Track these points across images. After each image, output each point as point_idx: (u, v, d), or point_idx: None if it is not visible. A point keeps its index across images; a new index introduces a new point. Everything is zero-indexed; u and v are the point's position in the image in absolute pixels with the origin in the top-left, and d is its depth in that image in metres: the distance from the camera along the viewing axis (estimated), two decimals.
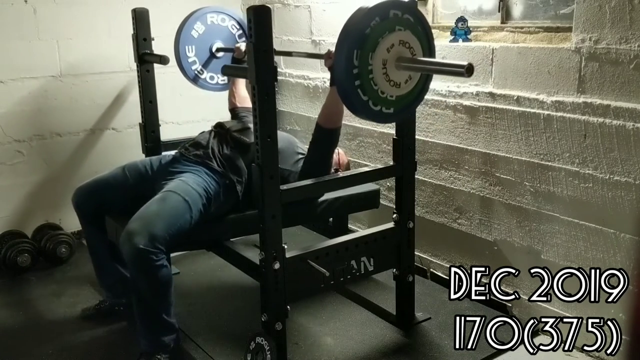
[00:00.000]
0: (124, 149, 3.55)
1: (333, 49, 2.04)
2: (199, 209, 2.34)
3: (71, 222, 3.40)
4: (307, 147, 2.62)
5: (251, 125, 2.64)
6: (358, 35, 1.93)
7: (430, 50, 2.13)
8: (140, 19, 2.98)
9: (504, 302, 2.67)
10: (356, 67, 1.95)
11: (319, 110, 2.53)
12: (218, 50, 3.13)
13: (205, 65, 3.13)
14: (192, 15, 3.07)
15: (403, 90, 2.08)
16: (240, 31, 3.19)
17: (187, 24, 3.05)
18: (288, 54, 3.31)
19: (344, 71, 1.94)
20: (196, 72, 3.12)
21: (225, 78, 3.12)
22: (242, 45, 2.96)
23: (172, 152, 2.70)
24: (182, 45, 3.05)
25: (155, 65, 3.05)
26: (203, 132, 2.76)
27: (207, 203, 2.39)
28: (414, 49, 2.05)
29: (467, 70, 1.85)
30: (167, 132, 3.27)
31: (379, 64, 1.98)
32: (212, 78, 3.17)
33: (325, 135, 2.48)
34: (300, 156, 2.69)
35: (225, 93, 3.18)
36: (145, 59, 3.00)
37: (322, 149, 2.50)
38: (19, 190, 3.36)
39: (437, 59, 2.11)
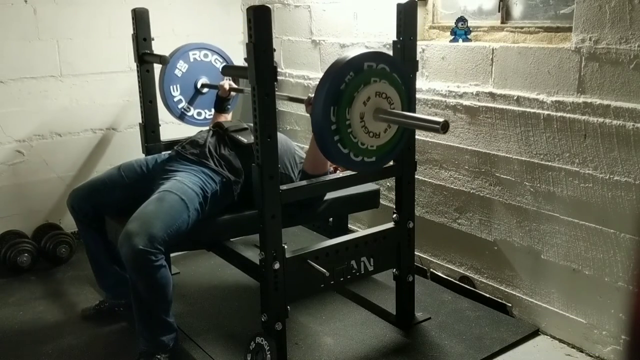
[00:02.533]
0: (124, 149, 3.55)
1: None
2: (196, 208, 2.34)
3: (71, 222, 3.36)
4: (306, 149, 2.62)
5: (249, 126, 2.64)
6: (333, 92, 1.95)
7: (409, 97, 2.14)
8: (140, 19, 2.98)
9: (503, 302, 2.68)
10: (334, 122, 1.97)
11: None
12: (203, 86, 3.18)
13: (191, 102, 3.19)
14: (175, 55, 3.12)
15: (383, 140, 2.10)
16: (224, 64, 3.22)
17: (170, 64, 3.09)
18: None
19: (322, 127, 1.96)
20: (182, 110, 3.17)
21: (212, 112, 3.15)
22: (226, 84, 2.99)
23: (169, 152, 2.71)
24: (167, 85, 3.10)
25: (155, 65, 3.06)
26: (201, 131, 2.76)
27: (203, 202, 2.38)
28: (391, 97, 2.05)
29: (442, 127, 1.86)
30: (167, 132, 3.27)
31: (357, 118, 2.00)
32: (199, 114, 3.22)
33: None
34: (300, 160, 2.68)
35: None
36: (145, 59, 3.00)
37: None
38: (19, 190, 3.36)
39: (414, 114, 2.13)
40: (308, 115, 3.79)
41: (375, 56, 2.03)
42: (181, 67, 3.13)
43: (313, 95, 2.05)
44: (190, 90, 3.17)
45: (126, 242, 2.15)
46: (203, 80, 3.18)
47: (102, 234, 2.58)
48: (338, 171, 2.67)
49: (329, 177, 2.42)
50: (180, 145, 2.65)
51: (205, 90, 3.19)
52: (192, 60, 3.15)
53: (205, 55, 3.19)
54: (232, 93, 3.03)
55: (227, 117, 3.06)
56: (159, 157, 2.66)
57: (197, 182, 2.40)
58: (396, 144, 2.17)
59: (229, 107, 3.08)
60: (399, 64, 2.12)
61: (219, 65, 3.20)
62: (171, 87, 3.12)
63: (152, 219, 2.21)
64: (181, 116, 3.17)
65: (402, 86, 2.10)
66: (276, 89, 2.14)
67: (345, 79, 1.95)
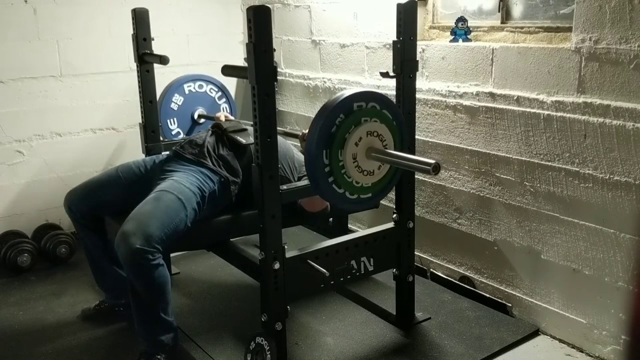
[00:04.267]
0: (123, 149, 3.56)
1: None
2: (194, 208, 2.34)
3: (71, 222, 3.40)
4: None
5: (248, 127, 2.64)
6: (325, 136, 1.98)
7: (401, 131, 2.15)
8: (140, 19, 2.98)
9: (503, 302, 2.68)
10: (327, 165, 2.00)
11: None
12: (200, 117, 3.24)
13: (189, 133, 3.25)
14: (170, 89, 3.18)
15: (377, 177, 2.12)
16: (220, 93, 3.28)
17: (165, 98, 3.16)
18: None
19: (315, 170, 1.99)
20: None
21: None
22: (222, 116, 3.03)
23: (167, 152, 2.71)
24: (164, 119, 3.16)
25: (155, 65, 3.05)
26: (200, 131, 2.76)
27: (201, 201, 2.38)
28: (383, 135, 2.07)
29: (434, 169, 1.88)
30: None
31: (350, 158, 2.02)
32: None
33: (310, 218, 2.54)
34: (300, 165, 2.66)
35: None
36: (145, 59, 3.00)
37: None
38: (19, 190, 3.36)
39: (405, 154, 2.13)
40: (308, 115, 3.81)
41: (364, 96, 2.05)
42: (177, 100, 3.22)
43: (306, 131, 2.08)
44: (187, 122, 3.26)
45: (123, 242, 2.15)
46: (200, 111, 3.27)
47: (100, 235, 2.58)
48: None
49: None
50: (178, 145, 2.64)
51: (202, 120, 3.26)
52: (187, 92, 3.24)
53: (200, 86, 3.29)
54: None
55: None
56: (157, 158, 2.65)
57: (194, 182, 2.40)
58: (391, 178, 2.20)
59: None
60: (388, 100, 2.13)
61: (214, 94, 3.30)
62: (168, 121, 3.20)
63: (149, 219, 2.20)
64: None
65: (393, 122, 2.12)
66: (276, 89, 2.14)
67: (335, 121, 1.98)
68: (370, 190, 2.13)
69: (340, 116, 1.99)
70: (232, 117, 3.04)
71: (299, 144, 2.59)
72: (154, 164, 2.61)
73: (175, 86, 3.18)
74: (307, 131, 2.11)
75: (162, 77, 3.23)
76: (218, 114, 3.05)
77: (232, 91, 3.51)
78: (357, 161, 2.04)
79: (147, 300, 2.23)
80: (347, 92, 2.03)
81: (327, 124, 1.97)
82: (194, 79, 3.24)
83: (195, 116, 3.23)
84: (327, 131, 1.98)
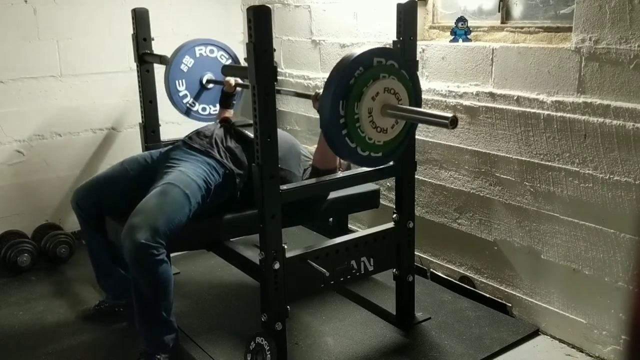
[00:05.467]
0: (124, 149, 3.55)
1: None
2: (198, 202, 2.34)
3: (71, 222, 3.40)
4: (307, 147, 2.62)
5: None
6: (343, 86, 1.96)
7: (416, 93, 2.15)
8: (140, 19, 2.98)
9: (503, 302, 2.68)
10: (342, 116, 1.98)
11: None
12: (208, 82, 3.19)
13: (196, 97, 3.20)
14: (181, 50, 3.12)
15: (390, 135, 2.11)
16: (230, 60, 3.24)
17: (176, 59, 3.10)
18: (277, 91, 3.37)
19: (330, 121, 1.97)
20: (188, 105, 3.18)
21: (217, 107, 3.15)
22: (232, 79, 2.99)
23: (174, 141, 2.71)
24: (172, 80, 3.11)
25: (155, 65, 3.06)
26: (208, 124, 2.77)
27: (205, 194, 2.38)
28: (399, 94, 2.07)
29: (451, 122, 1.87)
30: (167, 132, 3.27)
31: (365, 113, 2.01)
32: (204, 109, 3.23)
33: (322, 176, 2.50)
34: (304, 158, 2.69)
35: None
36: (145, 59, 3.01)
37: None
38: (19, 190, 3.36)
39: (423, 109, 2.14)
40: (308, 115, 3.81)
41: (384, 52, 2.05)
42: (187, 62, 3.13)
43: (320, 91, 2.06)
44: (195, 86, 3.18)
45: (129, 235, 2.15)
46: (208, 75, 3.19)
47: (104, 234, 2.57)
48: (340, 171, 2.68)
49: (329, 177, 2.42)
50: (187, 136, 2.65)
51: (210, 85, 3.19)
52: (198, 55, 3.16)
53: (212, 51, 3.20)
54: (238, 89, 3.04)
55: (231, 113, 3.06)
56: (163, 149, 2.66)
57: (201, 174, 2.40)
58: (402, 140, 2.19)
59: (234, 102, 3.09)
60: (407, 62, 2.13)
61: (225, 61, 3.22)
62: (177, 82, 3.12)
63: (155, 213, 2.21)
64: (187, 112, 3.18)
65: (410, 83, 2.11)
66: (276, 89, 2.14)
67: (354, 73, 1.97)
68: (381, 149, 2.11)
69: (360, 69, 1.97)
70: (241, 81, 3.02)
71: (312, 105, 2.55)
72: (161, 154, 2.62)
73: (186, 48, 3.13)
74: (320, 91, 2.10)
75: (162, 76, 3.23)
76: (228, 78, 3.01)
77: (242, 60, 3.47)
78: (372, 116, 2.02)
79: (149, 298, 2.23)
80: (367, 47, 2.02)
81: (346, 74, 1.95)
82: (205, 42, 3.18)
83: (204, 81, 3.18)
84: (346, 82, 1.96)
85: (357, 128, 2.02)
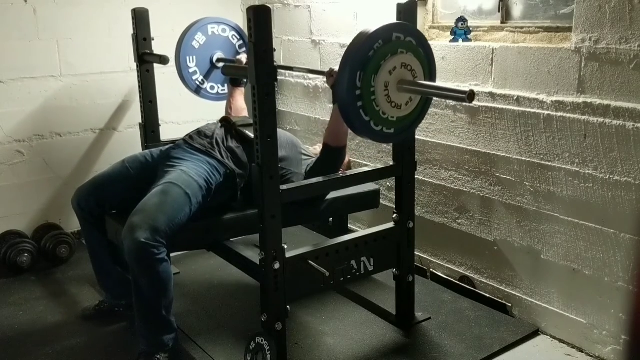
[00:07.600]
0: (124, 149, 3.55)
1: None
2: (199, 201, 2.34)
3: (71, 222, 3.40)
4: (308, 147, 2.62)
5: None
6: (362, 58, 1.96)
7: (431, 72, 2.16)
8: (140, 19, 2.99)
9: (503, 302, 2.68)
10: (359, 88, 1.98)
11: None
12: (219, 60, 3.16)
13: (206, 75, 3.17)
14: (194, 26, 3.09)
15: (404, 112, 2.12)
16: (241, 41, 3.22)
17: (188, 35, 3.07)
18: (289, 68, 3.35)
19: (346, 92, 1.97)
20: (197, 82, 3.15)
21: (226, 88, 3.14)
22: (243, 57, 2.98)
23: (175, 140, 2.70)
24: (183, 56, 3.08)
25: (155, 65, 3.06)
26: (208, 123, 2.76)
27: (206, 194, 2.38)
28: (416, 71, 2.08)
29: (469, 97, 1.88)
30: (167, 132, 3.27)
31: (381, 86, 2.01)
32: (212, 88, 3.20)
33: (333, 154, 2.49)
34: (304, 157, 2.69)
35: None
36: (145, 59, 3.01)
37: (330, 167, 2.49)
38: (19, 190, 3.35)
39: (440, 84, 2.14)
40: (308, 115, 3.80)
41: (403, 28, 2.06)
42: (199, 39, 3.11)
43: (335, 68, 2.07)
44: (205, 64, 3.16)
45: (129, 234, 2.15)
46: (219, 54, 3.16)
47: (105, 234, 2.57)
48: (340, 172, 2.68)
49: (329, 177, 2.42)
50: (187, 135, 2.65)
51: (220, 65, 3.15)
52: (210, 34, 3.14)
53: (224, 30, 3.18)
54: None
55: (242, 92, 3.05)
56: (164, 148, 2.66)
57: (202, 173, 2.40)
58: (416, 118, 2.20)
59: (245, 80, 3.06)
60: (425, 40, 2.14)
61: (236, 42, 3.20)
62: (188, 58, 3.10)
63: (156, 212, 2.21)
64: (197, 89, 3.15)
65: (426, 61, 2.12)
66: (276, 89, 2.14)
67: (374, 46, 1.97)
68: (394, 126, 2.12)
69: (379, 42, 1.98)
70: None
71: (325, 81, 2.55)
72: (161, 152, 2.62)
73: (199, 25, 3.11)
74: (334, 68, 2.12)
75: (163, 76, 3.24)
76: (239, 57, 3.00)
77: None
78: (388, 90, 2.03)
79: (150, 297, 2.23)
80: (387, 22, 2.03)
81: (365, 46, 1.96)
82: (218, 21, 3.17)
83: (215, 59, 3.15)
84: (364, 54, 1.96)
85: (372, 101, 2.02)
